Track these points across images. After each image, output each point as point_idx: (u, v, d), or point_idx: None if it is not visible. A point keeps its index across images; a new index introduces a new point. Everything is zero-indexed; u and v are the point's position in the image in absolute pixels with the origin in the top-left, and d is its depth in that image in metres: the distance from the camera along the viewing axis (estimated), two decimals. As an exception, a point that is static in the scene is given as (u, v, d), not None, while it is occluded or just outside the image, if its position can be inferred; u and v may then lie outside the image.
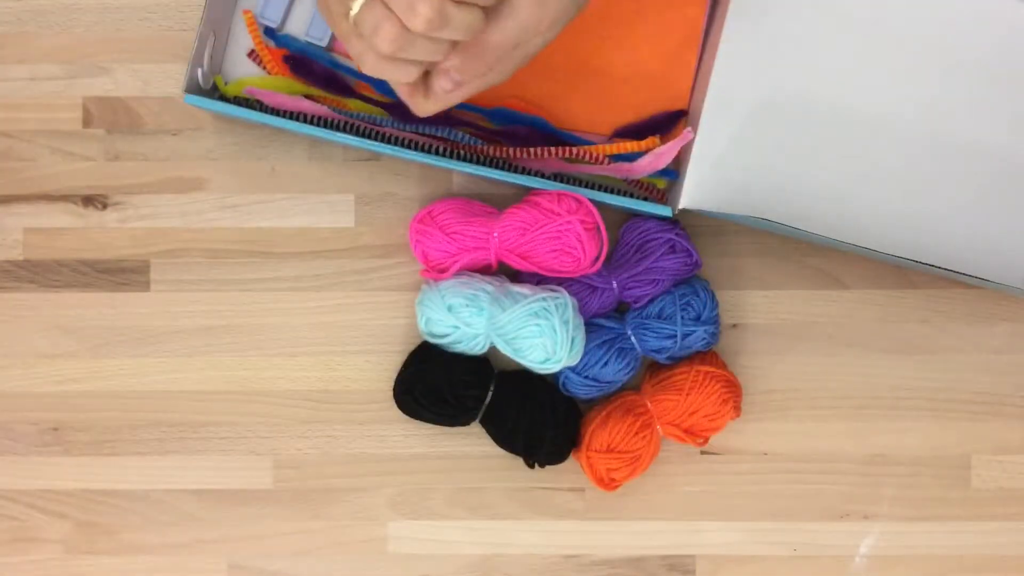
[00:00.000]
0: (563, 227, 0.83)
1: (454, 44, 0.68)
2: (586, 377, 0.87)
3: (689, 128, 0.84)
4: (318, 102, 0.87)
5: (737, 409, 0.87)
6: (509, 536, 0.90)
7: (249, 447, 0.90)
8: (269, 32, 0.89)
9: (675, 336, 0.86)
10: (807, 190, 0.84)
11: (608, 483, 0.87)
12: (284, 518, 0.90)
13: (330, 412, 0.90)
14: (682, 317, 0.86)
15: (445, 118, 0.87)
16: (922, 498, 0.90)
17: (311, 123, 0.86)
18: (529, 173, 0.87)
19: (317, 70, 0.88)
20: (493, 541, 0.90)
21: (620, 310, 0.89)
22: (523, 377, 0.87)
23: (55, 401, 0.90)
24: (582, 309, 0.86)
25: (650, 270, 0.86)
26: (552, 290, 0.84)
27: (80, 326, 0.90)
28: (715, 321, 0.87)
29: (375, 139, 0.87)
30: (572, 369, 0.86)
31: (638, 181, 0.88)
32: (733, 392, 0.87)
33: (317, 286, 0.90)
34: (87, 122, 0.90)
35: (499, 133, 0.88)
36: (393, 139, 0.87)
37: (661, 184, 0.89)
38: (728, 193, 0.83)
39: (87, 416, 0.90)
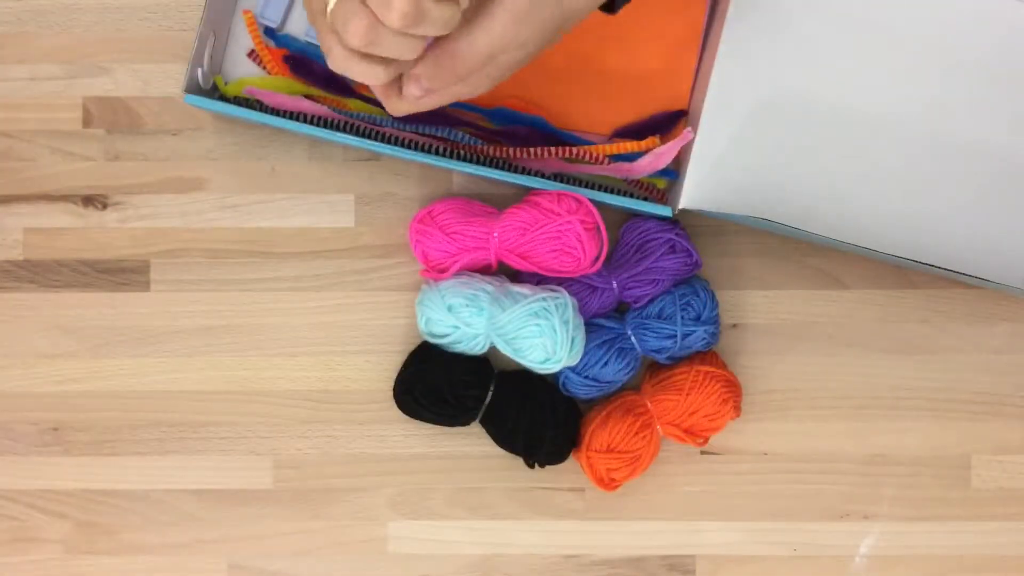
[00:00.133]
0: (563, 227, 0.83)
1: (425, 45, 0.67)
2: (586, 377, 0.87)
3: (689, 128, 0.84)
4: (318, 102, 0.87)
5: (737, 409, 0.87)
6: (509, 536, 0.90)
7: (249, 447, 0.90)
8: (269, 32, 0.89)
9: (675, 336, 0.86)
10: (807, 190, 0.84)
11: (608, 483, 0.87)
12: (284, 518, 0.90)
13: (330, 412, 0.90)
14: (682, 317, 0.86)
15: (445, 118, 0.87)
16: (922, 498, 0.90)
17: (311, 123, 0.86)
18: (529, 173, 0.87)
19: (317, 70, 0.88)
20: (493, 541, 0.90)
21: (620, 310, 0.89)
22: (523, 377, 0.87)
23: (55, 401, 0.90)
24: (582, 309, 0.86)
25: (650, 270, 0.86)
26: (552, 290, 0.84)
27: (80, 326, 0.90)
28: (715, 321, 0.87)
29: (375, 139, 0.87)
30: (572, 369, 0.86)
31: (638, 181, 0.88)
32: (733, 392, 0.87)
33: (317, 286, 0.90)
34: (87, 122, 0.90)
35: (499, 133, 0.88)
36: (393, 139, 0.87)
37: (661, 184, 0.89)
38: (728, 193, 0.83)
39: (87, 416, 0.90)
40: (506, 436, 0.87)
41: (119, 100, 0.90)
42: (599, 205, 0.85)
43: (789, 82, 0.84)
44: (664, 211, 0.85)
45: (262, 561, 0.90)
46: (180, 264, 0.90)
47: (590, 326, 0.86)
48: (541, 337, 0.82)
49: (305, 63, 0.88)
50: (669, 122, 0.88)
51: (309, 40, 0.89)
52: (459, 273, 0.86)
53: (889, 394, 0.90)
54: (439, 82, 0.68)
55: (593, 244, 0.83)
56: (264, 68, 0.89)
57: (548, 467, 0.88)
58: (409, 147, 0.86)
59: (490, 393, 0.86)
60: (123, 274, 0.90)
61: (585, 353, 0.85)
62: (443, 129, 0.86)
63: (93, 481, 0.90)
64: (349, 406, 0.90)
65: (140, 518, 0.90)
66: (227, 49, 0.90)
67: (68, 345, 0.90)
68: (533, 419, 0.86)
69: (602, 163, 0.87)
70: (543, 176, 0.88)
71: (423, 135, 0.87)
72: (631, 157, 0.87)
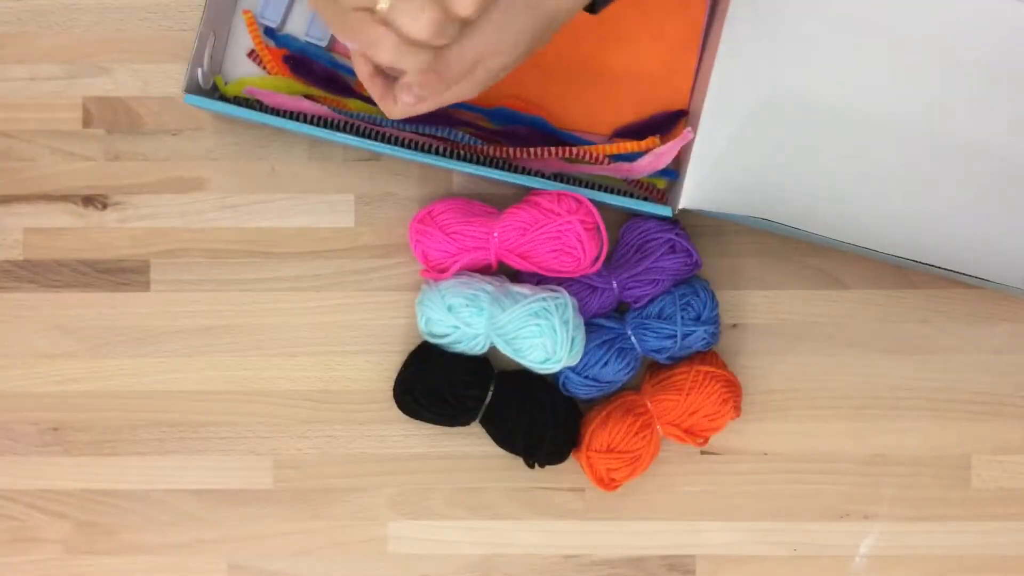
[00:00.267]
0: (563, 227, 0.83)
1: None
2: (586, 377, 0.87)
3: (689, 128, 0.84)
4: (318, 102, 0.87)
5: (737, 409, 0.87)
6: (509, 536, 0.90)
7: (249, 447, 0.90)
8: (269, 32, 0.89)
9: (675, 336, 0.86)
10: (807, 190, 0.84)
11: (608, 483, 0.87)
12: (284, 518, 0.90)
13: (330, 412, 0.90)
14: (682, 317, 0.86)
15: (445, 118, 0.87)
16: (922, 498, 0.90)
17: (311, 123, 0.86)
18: (529, 173, 0.87)
19: (317, 70, 0.88)
20: (493, 541, 0.90)
21: (620, 310, 0.89)
22: (523, 377, 0.87)
23: (55, 401, 0.90)
24: (582, 309, 0.86)
25: (650, 270, 0.86)
26: (552, 290, 0.84)
27: (80, 326, 0.90)
28: (715, 321, 0.87)
29: (375, 139, 0.87)
30: (572, 369, 0.86)
31: (638, 181, 0.88)
32: (733, 392, 0.87)
33: (317, 286, 0.90)
34: (87, 122, 0.90)
35: (499, 133, 0.88)
36: (393, 139, 0.87)
37: (661, 184, 0.89)
38: (728, 193, 0.83)
39: (87, 416, 0.90)
40: (506, 436, 0.87)
41: (119, 100, 0.90)
42: (599, 205, 0.85)
43: (789, 82, 0.84)
44: (664, 211, 0.85)
45: (262, 561, 0.90)
46: (180, 264, 0.90)
47: (590, 326, 0.86)
48: (541, 337, 0.82)
49: (305, 63, 0.88)
50: (669, 122, 0.88)
51: (309, 40, 0.89)
52: (459, 273, 0.86)
53: (889, 394, 0.90)
54: (429, 89, 0.70)
55: (593, 244, 0.83)
56: (264, 68, 0.89)
57: (548, 467, 0.88)
58: (409, 147, 0.86)
59: (490, 393, 0.86)
60: (123, 274, 0.90)
61: (585, 353, 0.85)
62: (443, 129, 0.86)
63: (93, 481, 0.90)
64: (349, 406, 0.90)
65: (140, 518, 0.90)
66: (227, 49, 0.90)
67: (68, 345, 0.90)
68: (533, 419, 0.86)
69: (602, 163, 0.87)
70: (543, 176, 0.88)
71: (423, 135, 0.87)
72: (631, 157, 0.87)
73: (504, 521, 0.90)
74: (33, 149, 0.90)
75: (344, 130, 0.86)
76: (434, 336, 0.87)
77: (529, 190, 0.85)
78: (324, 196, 0.90)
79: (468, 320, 0.84)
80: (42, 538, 0.90)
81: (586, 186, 0.87)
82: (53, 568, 0.90)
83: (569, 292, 0.84)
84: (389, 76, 0.73)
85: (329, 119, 0.87)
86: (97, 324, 0.90)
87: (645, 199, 0.87)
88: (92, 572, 0.90)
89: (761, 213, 0.82)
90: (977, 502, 0.90)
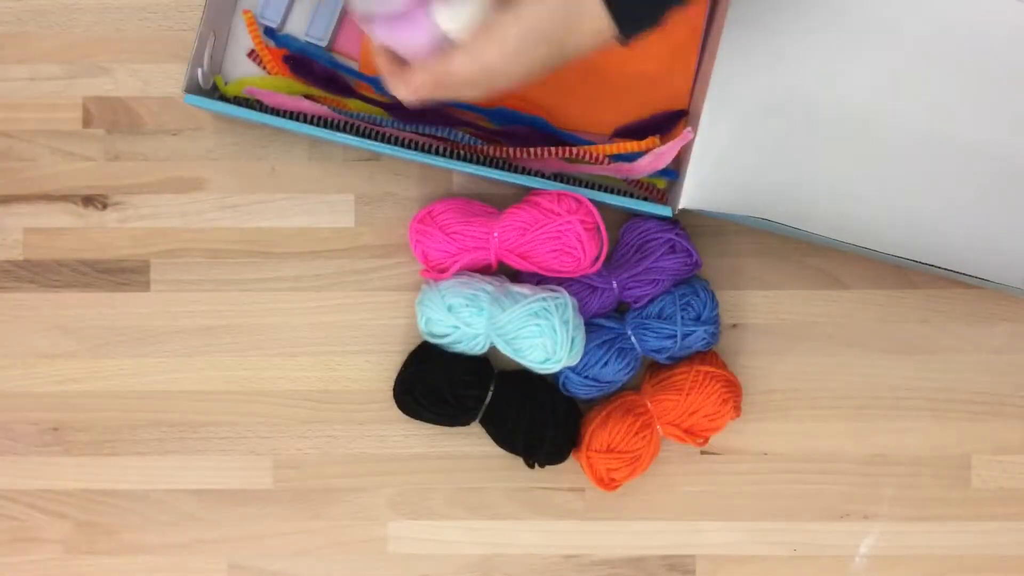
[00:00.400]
0: (563, 227, 0.83)
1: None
2: (586, 377, 0.87)
3: (689, 128, 0.84)
4: (318, 102, 0.87)
5: (737, 409, 0.87)
6: (509, 536, 0.90)
7: (249, 447, 0.90)
8: (269, 32, 0.89)
9: (675, 336, 0.86)
10: (807, 190, 0.84)
11: (608, 483, 0.87)
12: (284, 518, 0.90)
13: (330, 412, 0.90)
14: (682, 317, 0.86)
15: (445, 118, 0.87)
16: (922, 498, 0.90)
17: (311, 123, 0.86)
18: (529, 173, 0.87)
19: (317, 70, 0.88)
20: (493, 541, 0.90)
21: (620, 310, 0.89)
22: (523, 377, 0.87)
23: (55, 401, 0.90)
24: (582, 309, 0.86)
25: (650, 270, 0.86)
26: (552, 290, 0.84)
27: (80, 326, 0.90)
28: (715, 321, 0.87)
29: (375, 139, 0.87)
30: (572, 369, 0.86)
31: (638, 181, 0.88)
32: (733, 392, 0.87)
33: (317, 286, 0.90)
34: (87, 122, 0.90)
35: (499, 133, 0.88)
36: (393, 139, 0.87)
37: (661, 184, 0.89)
38: (728, 193, 0.83)
39: (87, 416, 0.90)
40: (506, 436, 0.87)
41: (119, 100, 0.90)
42: (599, 205, 0.85)
43: (789, 82, 0.84)
44: (664, 211, 0.85)
45: (262, 561, 0.90)
46: (180, 264, 0.90)
47: (590, 326, 0.86)
48: (541, 337, 0.82)
49: (305, 63, 0.88)
50: (669, 122, 0.88)
51: (309, 40, 0.89)
52: (459, 273, 0.86)
53: (889, 394, 0.90)
54: (427, 91, 0.71)
55: (593, 244, 0.83)
56: (264, 68, 0.89)
57: (548, 467, 0.88)
58: (409, 147, 0.86)
59: (490, 393, 0.86)
60: (123, 274, 0.90)
61: (585, 353, 0.85)
62: (443, 129, 0.86)
63: (93, 481, 0.90)
64: (349, 406, 0.90)
65: (140, 518, 0.90)
66: (227, 49, 0.90)
67: (68, 345, 0.90)
68: (533, 419, 0.86)
69: (602, 163, 0.87)
70: (543, 176, 0.88)
71: (423, 135, 0.87)
72: (631, 157, 0.87)
73: (504, 521, 0.90)
74: (33, 149, 0.90)
75: (344, 130, 0.86)
76: (434, 336, 0.87)
77: (529, 190, 0.85)
78: (324, 196, 0.90)
79: (468, 320, 0.84)
80: (42, 538, 0.90)
81: (586, 186, 0.87)
82: (53, 568, 0.90)
83: (569, 292, 0.84)
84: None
85: (329, 119, 0.87)
86: (97, 324, 0.90)
87: (645, 199, 0.87)
88: (92, 572, 0.90)
89: (761, 213, 0.82)
90: (977, 502, 0.90)
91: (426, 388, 0.86)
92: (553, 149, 0.86)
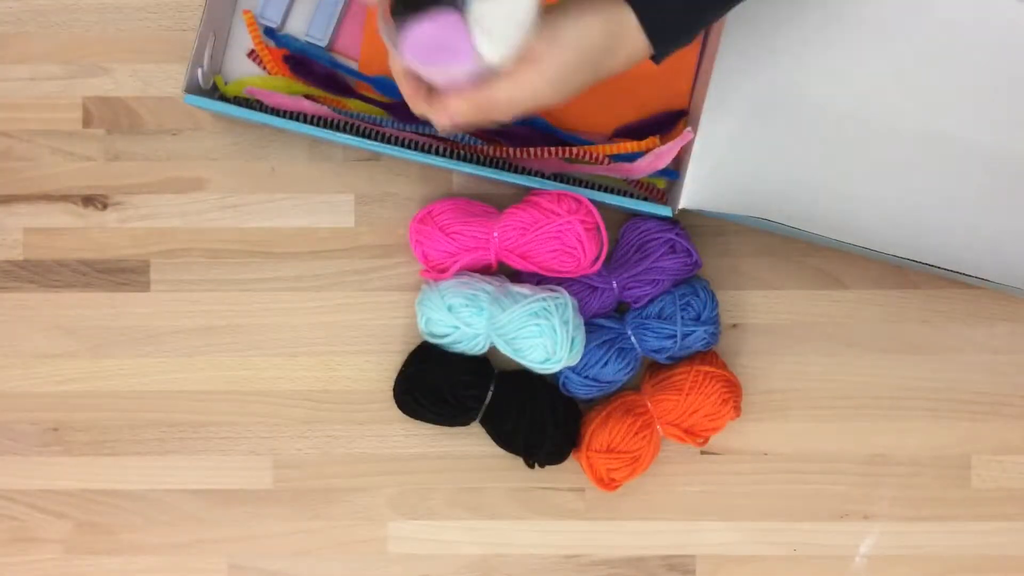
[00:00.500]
0: (563, 227, 0.83)
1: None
2: (586, 377, 0.87)
3: (689, 128, 0.84)
4: (318, 102, 0.87)
5: (737, 409, 0.87)
6: (509, 536, 0.90)
7: (249, 447, 0.90)
8: (269, 32, 0.89)
9: (675, 336, 0.86)
10: (807, 190, 0.84)
11: (608, 483, 0.87)
12: (284, 518, 0.90)
13: (330, 412, 0.90)
14: (682, 317, 0.86)
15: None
16: (922, 498, 0.90)
17: (311, 123, 0.86)
18: (529, 173, 0.87)
19: (317, 70, 0.88)
20: (493, 541, 0.90)
21: (620, 310, 0.89)
22: (523, 377, 0.87)
23: (55, 401, 0.90)
24: (582, 309, 0.86)
25: (650, 270, 0.86)
26: (552, 290, 0.84)
27: (80, 326, 0.90)
28: (715, 321, 0.87)
29: (375, 139, 0.87)
30: (572, 369, 0.86)
31: (638, 181, 0.88)
32: (733, 392, 0.87)
33: (317, 286, 0.90)
34: (87, 122, 0.90)
35: (499, 133, 0.88)
36: (393, 139, 0.87)
37: (661, 184, 0.89)
38: (728, 193, 0.83)
39: (87, 416, 0.90)
40: (506, 436, 0.87)
41: (119, 100, 0.90)
42: (599, 205, 0.85)
43: (789, 82, 0.84)
44: (664, 211, 0.85)
45: (262, 561, 0.90)
46: (180, 264, 0.90)
47: (590, 326, 0.86)
48: (541, 337, 0.82)
49: (305, 63, 0.88)
50: (669, 122, 0.88)
51: (309, 40, 0.89)
52: (459, 273, 0.86)
53: (889, 394, 0.90)
54: (466, 117, 0.71)
55: (593, 244, 0.83)
56: (264, 68, 0.89)
57: (548, 467, 0.88)
58: (409, 147, 0.86)
59: (490, 393, 0.86)
60: (123, 274, 0.90)
61: (585, 353, 0.85)
62: (443, 129, 0.86)
63: (93, 481, 0.90)
64: (349, 406, 0.90)
65: (140, 518, 0.90)
66: (227, 49, 0.90)
67: (68, 345, 0.90)
68: (533, 419, 0.86)
69: (602, 163, 0.87)
70: (543, 176, 0.88)
71: (423, 135, 0.87)
72: (631, 157, 0.87)
73: (504, 521, 0.90)
74: (33, 149, 0.90)
75: (344, 130, 0.87)
76: (434, 336, 0.87)
77: (529, 190, 0.85)
78: (324, 196, 0.90)
79: (468, 320, 0.84)
80: (42, 538, 0.90)
81: (586, 186, 0.87)
82: (53, 568, 0.90)
83: (569, 292, 0.84)
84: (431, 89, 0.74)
85: (329, 119, 0.87)
86: (97, 324, 0.90)
87: (645, 199, 0.87)
88: (92, 572, 0.90)
89: (761, 213, 0.82)
90: (977, 502, 0.90)
91: (426, 388, 0.86)
92: (553, 149, 0.86)
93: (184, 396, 0.90)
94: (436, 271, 0.87)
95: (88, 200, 0.90)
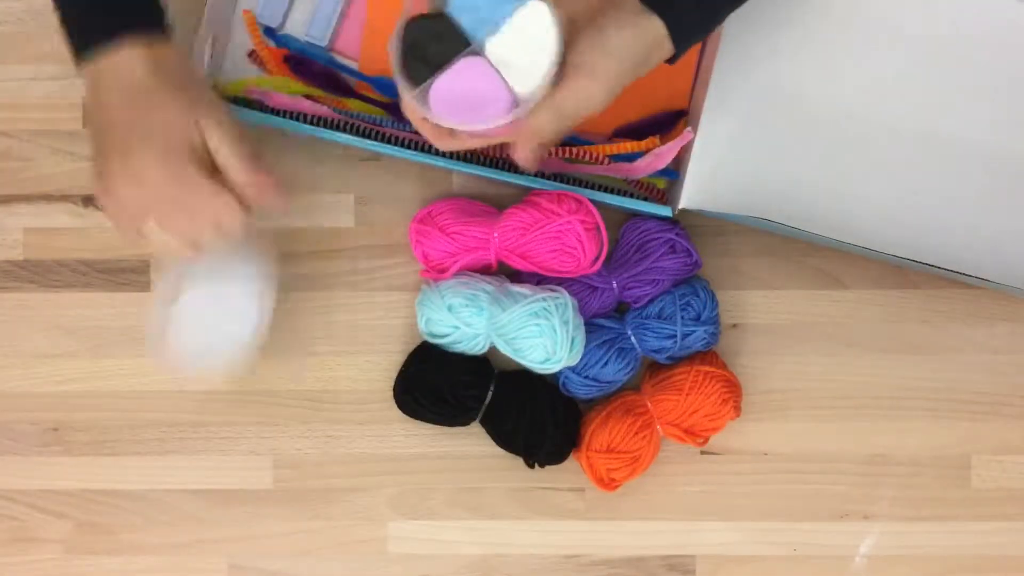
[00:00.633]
0: (563, 227, 0.83)
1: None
2: (586, 377, 0.87)
3: (689, 128, 0.84)
4: (318, 102, 0.87)
5: (737, 409, 0.87)
6: (509, 536, 0.90)
7: (249, 447, 0.90)
8: (269, 32, 0.89)
9: (675, 336, 0.86)
10: (807, 190, 0.84)
11: (608, 483, 0.87)
12: (284, 518, 0.90)
13: (330, 412, 0.90)
14: (682, 317, 0.86)
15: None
16: (922, 498, 0.90)
17: (311, 123, 0.86)
18: (529, 173, 0.87)
19: (317, 70, 0.88)
20: (493, 541, 0.90)
21: (620, 310, 0.89)
22: (523, 377, 0.87)
23: (55, 401, 0.90)
24: (582, 309, 0.86)
25: (650, 270, 0.86)
26: (552, 290, 0.84)
27: (80, 326, 0.90)
28: (715, 321, 0.87)
29: (375, 139, 0.87)
30: (572, 369, 0.86)
31: (638, 181, 0.88)
32: (733, 392, 0.87)
33: (317, 286, 0.90)
34: (87, 122, 0.90)
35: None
36: (393, 139, 0.87)
37: (661, 184, 0.89)
38: (728, 193, 0.83)
39: (87, 416, 0.90)
40: (506, 436, 0.87)
41: (119, 100, 0.90)
42: (599, 205, 0.85)
43: (789, 82, 0.84)
44: (664, 211, 0.85)
45: (262, 561, 0.90)
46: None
47: (590, 326, 0.86)
48: (541, 337, 0.82)
49: (305, 63, 0.88)
50: (669, 122, 0.88)
51: (309, 40, 0.89)
52: (459, 273, 0.86)
53: (889, 394, 0.90)
54: (552, 134, 0.75)
55: (593, 244, 0.83)
56: (264, 68, 0.89)
57: (548, 467, 0.88)
58: (409, 147, 0.86)
59: (490, 393, 0.86)
60: (123, 274, 0.90)
61: (585, 353, 0.85)
62: (443, 129, 0.86)
63: (93, 481, 0.90)
64: (349, 406, 0.90)
65: (140, 518, 0.90)
66: (227, 49, 0.90)
67: (68, 345, 0.90)
68: (533, 419, 0.86)
69: (602, 163, 0.87)
70: (543, 176, 0.88)
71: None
72: (631, 157, 0.87)
73: (504, 521, 0.90)
74: (33, 149, 0.90)
75: (344, 130, 0.86)
76: (434, 336, 0.87)
77: (529, 190, 0.85)
78: (324, 196, 0.90)
79: (468, 320, 0.84)
80: (42, 538, 0.90)
81: (586, 186, 0.87)
82: (53, 568, 0.90)
83: (569, 292, 0.84)
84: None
85: (329, 119, 0.87)
86: (97, 324, 0.90)
87: (645, 199, 0.87)
88: (92, 572, 0.90)
89: (761, 213, 0.82)
90: (977, 502, 0.90)
91: (426, 388, 0.86)
92: (553, 149, 0.86)
93: (184, 396, 0.90)
94: (436, 271, 0.87)
95: (88, 200, 0.90)
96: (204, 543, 0.90)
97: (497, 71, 0.70)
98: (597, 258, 0.84)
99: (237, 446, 0.90)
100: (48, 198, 0.90)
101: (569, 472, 0.89)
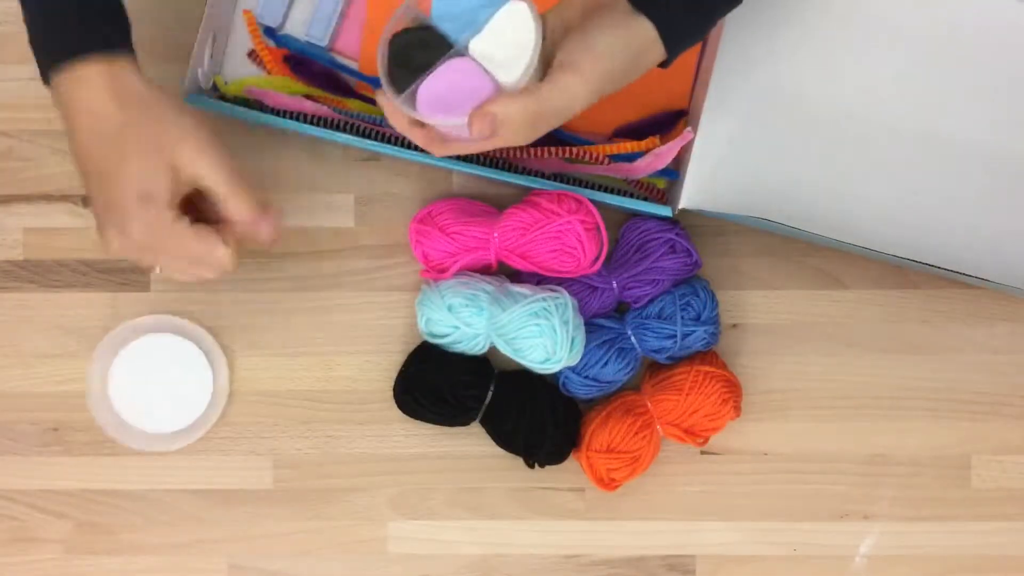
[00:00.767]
0: (563, 227, 0.83)
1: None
2: (586, 377, 0.87)
3: (689, 128, 0.84)
4: (318, 102, 0.87)
5: (737, 409, 0.87)
6: (509, 536, 0.90)
7: (249, 447, 0.90)
8: (269, 32, 0.89)
9: (675, 336, 0.86)
10: (807, 190, 0.84)
11: (608, 483, 0.87)
12: (284, 518, 0.90)
13: (330, 412, 0.90)
14: (682, 317, 0.86)
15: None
16: (922, 498, 0.90)
17: (311, 123, 0.86)
18: (529, 173, 0.87)
19: (317, 70, 0.88)
20: (493, 541, 0.90)
21: (620, 310, 0.89)
22: (523, 377, 0.87)
23: (55, 401, 0.90)
24: (582, 309, 0.86)
25: (650, 270, 0.86)
26: (552, 290, 0.84)
27: (80, 326, 0.90)
28: (715, 321, 0.87)
29: (375, 139, 0.87)
30: (572, 369, 0.86)
31: (638, 181, 0.88)
32: (733, 392, 0.87)
33: (317, 286, 0.90)
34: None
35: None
36: (393, 139, 0.87)
37: (661, 184, 0.89)
38: (728, 193, 0.83)
39: (87, 416, 0.90)
40: (506, 436, 0.87)
41: (119, 100, 0.90)
42: (599, 205, 0.85)
43: (789, 82, 0.84)
44: (664, 211, 0.85)
45: (262, 561, 0.90)
46: (180, 264, 0.90)
47: (590, 326, 0.86)
48: (541, 337, 0.82)
49: (305, 63, 0.88)
50: (669, 122, 0.88)
51: (309, 40, 0.89)
52: (459, 273, 0.86)
53: (889, 394, 0.90)
54: (522, 135, 0.73)
55: (593, 244, 0.83)
56: (264, 68, 0.89)
57: (548, 467, 0.88)
58: (409, 147, 0.86)
59: (490, 393, 0.86)
60: (123, 274, 0.90)
61: (585, 353, 0.85)
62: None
63: (93, 481, 0.90)
64: (349, 406, 0.90)
65: (140, 518, 0.90)
66: (227, 49, 0.90)
67: (68, 345, 0.90)
68: (533, 419, 0.86)
69: (602, 163, 0.87)
70: (543, 176, 0.88)
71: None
72: (631, 157, 0.87)
73: (504, 521, 0.90)
74: (34, 149, 0.90)
75: (344, 130, 0.86)
76: (434, 336, 0.87)
77: (529, 190, 0.85)
78: (324, 196, 0.90)
79: (468, 320, 0.84)
80: (42, 538, 0.90)
81: (586, 186, 0.87)
82: (53, 568, 0.90)
83: (569, 292, 0.84)
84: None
85: (329, 119, 0.87)
86: (97, 324, 0.90)
87: (645, 199, 0.87)
88: (92, 572, 0.90)
89: (761, 213, 0.82)
90: (977, 502, 0.90)
91: (426, 388, 0.86)
92: (553, 149, 0.86)
93: (184, 396, 0.90)
94: (436, 271, 0.87)
95: (88, 200, 0.90)
96: (204, 543, 0.90)
97: (480, 65, 0.71)
98: (597, 258, 0.84)
99: (237, 446, 0.90)
100: (48, 198, 0.90)
101: (569, 472, 0.89)
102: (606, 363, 0.86)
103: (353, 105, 0.88)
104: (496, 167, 0.87)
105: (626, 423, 0.86)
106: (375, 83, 0.88)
